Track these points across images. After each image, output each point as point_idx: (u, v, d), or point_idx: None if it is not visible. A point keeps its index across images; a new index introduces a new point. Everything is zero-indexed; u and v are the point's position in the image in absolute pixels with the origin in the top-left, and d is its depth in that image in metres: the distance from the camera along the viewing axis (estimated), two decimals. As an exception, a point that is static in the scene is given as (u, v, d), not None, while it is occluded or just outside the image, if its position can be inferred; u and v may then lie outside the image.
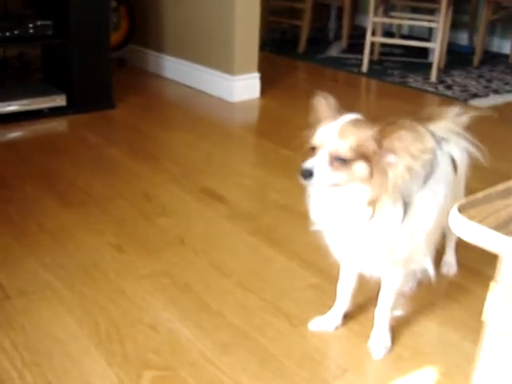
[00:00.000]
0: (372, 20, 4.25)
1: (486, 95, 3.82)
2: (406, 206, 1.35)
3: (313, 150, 1.34)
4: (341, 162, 1.30)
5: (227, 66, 3.56)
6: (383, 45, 4.70)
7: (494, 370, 0.76)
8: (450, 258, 1.89)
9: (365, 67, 4.30)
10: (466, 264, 1.90)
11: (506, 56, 4.85)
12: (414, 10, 4.96)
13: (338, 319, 1.62)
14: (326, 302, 1.67)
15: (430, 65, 4.20)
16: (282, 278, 1.85)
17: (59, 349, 1.51)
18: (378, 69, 4.38)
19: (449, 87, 3.96)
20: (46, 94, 3.19)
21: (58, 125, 3.16)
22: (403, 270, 1.49)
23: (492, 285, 0.74)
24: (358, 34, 5.05)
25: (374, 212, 1.33)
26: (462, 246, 1.88)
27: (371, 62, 4.38)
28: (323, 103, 1.40)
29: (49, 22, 3.13)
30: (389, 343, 1.55)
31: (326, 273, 1.82)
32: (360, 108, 3.78)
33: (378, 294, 1.56)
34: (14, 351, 1.49)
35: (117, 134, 3.16)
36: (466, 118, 1.67)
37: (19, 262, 1.88)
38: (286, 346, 1.54)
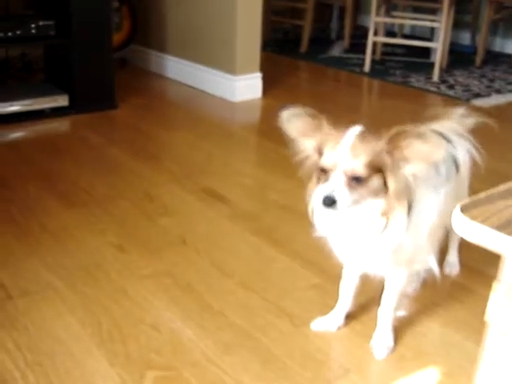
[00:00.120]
0: (374, 20, 4.25)
1: (488, 95, 3.82)
2: (410, 207, 1.35)
3: (323, 172, 1.31)
4: (357, 180, 1.28)
5: (229, 66, 3.56)
6: (385, 44, 4.70)
7: (496, 371, 0.76)
8: (452, 258, 1.89)
9: (367, 67, 4.30)
10: (468, 264, 1.90)
11: (509, 56, 4.85)
12: (416, 10, 4.96)
13: (341, 319, 1.62)
14: (328, 302, 1.67)
15: (432, 64, 4.20)
16: (283, 278, 1.85)
17: (61, 349, 1.51)
18: (380, 68, 4.38)
19: (451, 87, 3.96)
20: (47, 94, 3.19)
21: (60, 125, 3.17)
22: (407, 270, 1.49)
23: (494, 285, 0.73)
24: (360, 34, 5.05)
25: (387, 222, 1.33)
26: (464, 246, 1.87)
27: (373, 61, 4.37)
28: (305, 118, 1.37)
29: (51, 22, 3.13)
30: (391, 343, 1.55)
31: (327, 273, 1.82)
32: (362, 108, 3.78)
33: (380, 294, 1.56)
34: (16, 351, 1.49)
35: (118, 134, 3.16)
36: (472, 121, 1.67)
37: (21, 262, 1.88)
38: (288, 346, 1.54)
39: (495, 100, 3.73)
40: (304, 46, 4.81)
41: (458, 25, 4.84)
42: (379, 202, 1.32)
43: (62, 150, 2.80)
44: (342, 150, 1.29)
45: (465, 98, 3.69)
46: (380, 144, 1.30)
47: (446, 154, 1.38)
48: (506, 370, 0.75)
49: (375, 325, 1.56)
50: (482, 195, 0.76)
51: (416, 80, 4.10)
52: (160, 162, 2.71)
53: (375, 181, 1.30)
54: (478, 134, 1.68)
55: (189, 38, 3.81)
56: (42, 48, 3.52)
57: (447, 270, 1.87)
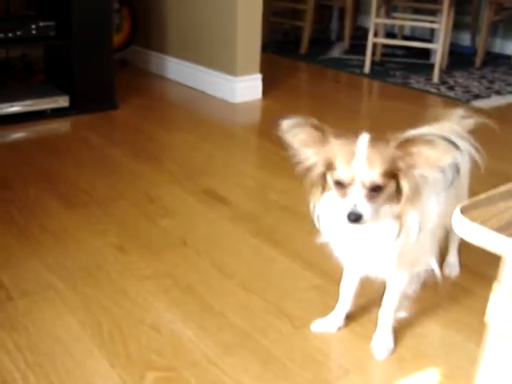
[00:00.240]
0: (374, 21, 4.25)
1: (488, 96, 3.82)
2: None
3: (339, 185, 1.30)
4: (375, 190, 1.28)
5: (229, 67, 3.56)
6: (385, 46, 4.70)
7: (496, 372, 0.76)
8: (452, 259, 1.89)
9: (367, 68, 4.30)
10: (468, 265, 1.90)
11: (508, 57, 4.85)
12: (416, 11, 4.96)
13: (341, 320, 1.62)
14: (328, 303, 1.67)
15: (432, 66, 4.20)
16: (284, 279, 1.85)
17: (62, 350, 1.51)
18: (380, 70, 4.38)
19: (451, 88, 3.96)
20: (48, 95, 3.19)
21: (61, 126, 3.17)
22: (409, 272, 1.49)
23: (495, 286, 0.74)
24: (360, 35, 5.05)
25: (401, 228, 1.34)
26: (464, 248, 1.88)
27: (373, 63, 4.38)
28: (307, 129, 1.34)
29: (51, 23, 3.14)
30: (392, 344, 1.55)
31: (328, 274, 1.82)
32: (362, 109, 3.78)
33: (380, 296, 1.56)
34: (17, 352, 1.49)
35: (119, 134, 3.16)
36: (471, 122, 1.67)
37: (21, 262, 1.88)
38: (288, 348, 1.54)
39: (495, 101, 3.74)
40: (304, 47, 4.82)
41: (457, 26, 4.85)
42: (392, 208, 1.32)
43: (62, 151, 2.80)
44: (359, 162, 1.27)
45: (465, 100, 3.69)
46: (391, 150, 1.29)
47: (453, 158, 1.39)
48: (506, 371, 0.75)
49: (375, 326, 1.57)
50: (483, 196, 0.76)
51: (416, 81, 4.10)
52: (160, 162, 2.72)
53: (390, 187, 1.30)
54: (478, 134, 1.68)
55: (189, 39, 3.81)
56: (43, 49, 3.52)
57: (447, 272, 1.87)
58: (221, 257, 1.95)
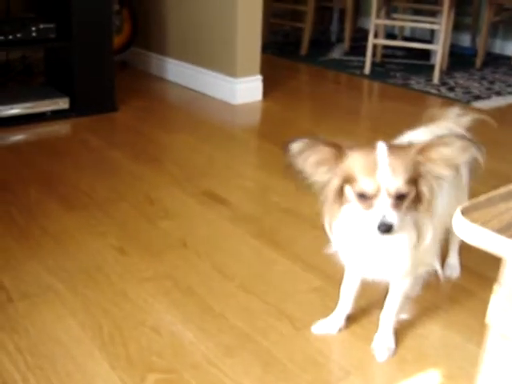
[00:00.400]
0: (374, 22, 4.25)
1: (489, 97, 3.82)
2: None
3: (363, 197, 1.28)
4: (400, 198, 1.27)
5: (229, 69, 3.56)
6: (385, 47, 4.70)
7: (497, 373, 0.76)
8: (453, 260, 1.89)
9: (367, 69, 4.30)
10: (469, 267, 1.90)
11: (509, 58, 4.85)
12: (416, 12, 4.96)
13: (341, 322, 1.62)
14: (329, 304, 1.67)
15: (432, 67, 4.20)
16: (284, 281, 1.85)
17: (62, 352, 1.51)
18: (381, 71, 4.39)
19: (451, 89, 3.96)
20: (48, 97, 3.19)
21: (61, 128, 3.17)
22: (413, 274, 1.49)
23: (495, 287, 0.73)
24: (360, 37, 5.05)
25: (422, 233, 1.34)
26: (465, 249, 1.87)
27: (373, 64, 4.38)
28: (320, 148, 1.30)
29: (51, 25, 3.14)
30: (393, 346, 1.55)
31: (328, 275, 1.82)
32: (362, 111, 3.78)
33: (381, 297, 1.56)
34: (17, 354, 1.49)
35: (119, 136, 3.16)
36: (467, 119, 1.67)
37: (22, 264, 1.88)
38: (289, 349, 1.54)
39: (495, 102, 3.74)
40: (304, 48, 4.82)
41: (458, 27, 4.85)
42: (412, 214, 1.32)
43: (62, 153, 2.80)
44: (382, 171, 1.26)
45: (465, 100, 3.69)
46: (412, 156, 1.29)
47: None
48: (507, 372, 0.75)
49: (376, 328, 1.56)
50: (483, 198, 0.76)
51: (416, 82, 4.10)
52: (161, 164, 2.72)
53: (412, 194, 1.30)
54: (478, 135, 1.68)
55: (189, 41, 3.81)
56: (43, 51, 3.52)
57: (448, 273, 1.87)
58: (221, 259, 1.95)
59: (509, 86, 4.11)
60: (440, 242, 1.55)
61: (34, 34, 3.11)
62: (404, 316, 1.61)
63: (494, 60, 4.81)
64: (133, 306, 1.70)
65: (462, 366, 1.50)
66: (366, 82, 4.21)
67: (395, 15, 4.71)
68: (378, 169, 1.26)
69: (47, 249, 1.97)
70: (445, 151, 1.28)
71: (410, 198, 1.30)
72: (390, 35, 5.12)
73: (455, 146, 1.28)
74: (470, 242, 0.71)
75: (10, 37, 3.05)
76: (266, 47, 4.45)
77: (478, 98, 3.79)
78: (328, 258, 1.50)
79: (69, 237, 2.06)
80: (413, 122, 1.65)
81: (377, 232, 1.27)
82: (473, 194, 1.64)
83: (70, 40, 3.14)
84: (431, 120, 1.63)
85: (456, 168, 1.34)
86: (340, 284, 1.61)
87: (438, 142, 1.29)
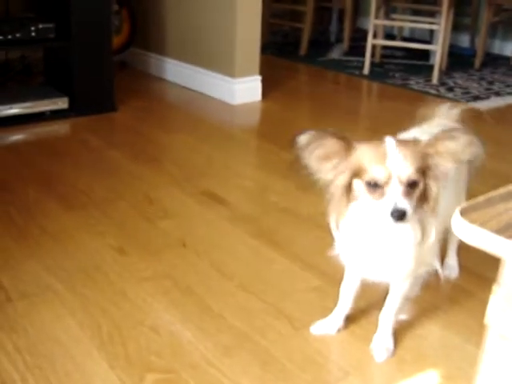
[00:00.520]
0: (373, 22, 4.25)
1: (488, 97, 3.83)
2: None
3: (373, 186, 1.28)
4: (411, 186, 1.27)
5: (229, 69, 3.56)
6: (385, 47, 4.70)
7: (496, 373, 0.76)
8: (452, 261, 1.89)
9: (366, 70, 4.30)
10: (468, 267, 1.90)
11: (508, 58, 4.86)
12: (416, 13, 4.96)
13: (340, 322, 1.62)
14: (327, 304, 1.67)
15: (431, 67, 4.20)
16: (283, 281, 1.85)
17: (61, 351, 1.51)
18: (380, 71, 4.39)
19: (450, 89, 3.97)
20: (47, 97, 3.19)
21: (60, 127, 3.17)
22: (414, 275, 1.49)
23: (494, 288, 0.74)
24: (359, 37, 5.05)
25: (424, 231, 1.34)
26: (464, 249, 1.87)
27: (373, 64, 4.38)
28: (329, 141, 1.30)
29: (51, 25, 3.14)
30: (391, 346, 1.55)
31: (327, 275, 1.82)
32: (362, 111, 3.78)
33: (380, 298, 1.56)
34: (16, 354, 1.49)
35: (118, 136, 3.16)
36: (457, 111, 1.68)
37: (20, 264, 1.88)
38: (287, 349, 1.54)
39: (494, 102, 3.74)
40: (303, 48, 4.82)
41: (457, 27, 4.85)
42: (417, 211, 1.32)
43: (61, 153, 2.80)
44: (393, 158, 1.26)
45: (464, 101, 3.69)
46: (421, 148, 1.30)
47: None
48: (506, 372, 0.75)
49: (375, 328, 1.56)
50: (482, 198, 0.76)
51: (415, 82, 4.10)
52: (160, 164, 2.71)
53: (422, 184, 1.30)
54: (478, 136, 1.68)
55: (188, 41, 3.81)
56: (42, 51, 3.52)
57: (447, 273, 1.87)
58: (220, 258, 1.95)
59: (508, 86, 4.11)
60: (440, 241, 1.55)
61: (33, 34, 3.10)
62: (403, 316, 1.61)
63: (493, 60, 4.82)
64: (132, 305, 1.70)
65: (460, 366, 1.50)
66: (365, 82, 4.22)
67: (394, 15, 4.72)
68: (388, 157, 1.26)
69: (46, 248, 1.97)
70: (451, 145, 1.29)
71: (420, 189, 1.30)
72: (389, 35, 5.12)
73: (461, 140, 1.29)
74: (468, 243, 0.71)
75: (10, 36, 3.05)
76: (266, 47, 4.45)
77: (477, 98, 3.79)
78: (327, 257, 1.50)
79: (68, 236, 2.06)
80: (411, 122, 1.65)
81: (390, 219, 1.26)
82: (472, 193, 1.64)
83: (70, 40, 3.14)
84: (424, 119, 1.64)
85: (461, 162, 1.34)
86: (339, 284, 1.61)
87: (445, 135, 1.30)
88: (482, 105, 3.64)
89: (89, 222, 2.15)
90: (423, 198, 1.32)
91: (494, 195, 0.77)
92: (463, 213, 0.72)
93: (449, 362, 1.53)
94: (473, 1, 4.98)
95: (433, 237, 1.36)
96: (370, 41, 4.27)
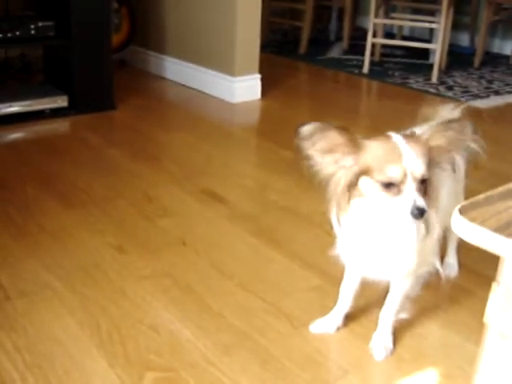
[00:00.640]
0: (373, 21, 4.25)
1: (487, 96, 3.83)
2: None
3: (388, 185, 1.26)
4: (423, 183, 1.27)
5: (228, 67, 3.56)
6: (384, 46, 4.70)
7: (496, 372, 0.76)
8: (451, 259, 1.89)
9: (366, 68, 4.30)
10: (467, 266, 1.90)
11: (507, 57, 4.85)
12: (415, 11, 4.96)
13: (339, 320, 1.62)
14: (327, 303, 1.67)
15: (430, 66, 4.20)
16: (283, 279, 1.85)
17: (60, 350, 1.51)
18: (379, 70, 4.39)
19: (450, 88, 3.97)
20: (47, 95, 3.19)
21: (59, 126, 3.17)
22: (415, 274, 1.49)
23: (493, 286, 0.73)
24: (358, 35, 5.05)
25: (427, 227, 1.34)
26: (463, 248, 1.88)
27: (372, 63, 4.38)
28: (332, 133, 1.29)
29: (50, 23, 3.13)
30: (391, 345, 1.55)
31: (327, 274, 1.82)
32: (361, 109, 3.78)
33: (379, 296, 1.56)
34: (15, 353, 1.49)
35: (118, 134, 3.16)
36: (458, 112, 1.68)
37: (20, 262, 1.88)
38: (287, 348, 1.54)
39: (494, 101, 3.74)
40: (303, 47, 4.82)
41: (456, 26, 4.85)
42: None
43: (61, 151, 2.80)
44: (408, 156, 1.25)
45: (463, 100, 3.69)
46: (425, 142, 1.30)
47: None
48: (506, 371, 0.75)
49: (374, 326, 1.56)
50: (481, 197, 0.76)
51: (415, 81, 4.10)
52: (159, 163, 2.71)
53: (430, 179, 1.31)
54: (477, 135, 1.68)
55: (188, 40, 3.81)
56: (42, 49, 3.52)
57: (446, 272, 1.86)
58: (219, 257, 1.95)
59: (507, 85, 4.11)
60: (439, 240, 1.55)
61: (32, 32, 3.10)
62: (403, 315, 1.61)
63: (493, 59, 4.82)
64: (131, 304, 1.69)
65: (460, 365, 1.50)
66: (365, 80, 4.21)
67: (394, 14, 4.72)
68: (402, 155, 1.25)
69: (45, 247, 1.97)
70: (448, 134, 1.30)
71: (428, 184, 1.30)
72: (389, 34, 5.12)
73: (456, 127, 1.30)
74: (468, 241, 0.71)
75: (9, 34, 3.05)
76: (265, 46, 4.45)
77: (476, 97, 3.79)
78: (327, 256, 1.50)
79: (67, 235, 2.06)
80: (411, 121, 1.65)
81: (409, 217, 1.26)
82: (471, 193, 1.64)
83: (69, 38, 3.14)
84: (425, 119, 1.64)
85: (461, 149, 1.34)
86: (339, 283, 1.60)
87: (441, 127, 1.30)
88: (482, 104, 3.64)
89: (88, 221, 2.15)
90: (425, 194, 1.32)
91: (494, 194, 0.77)
92: (463, 211, 0.72)
93: (448, 360, 1.53)
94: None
95: (437, 230, 1.36)
96: (369, 39, 4.27)
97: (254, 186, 2.53)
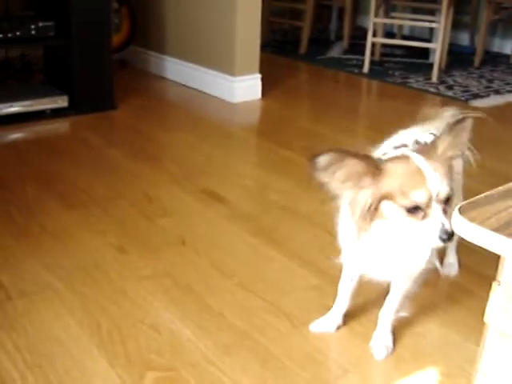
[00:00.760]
0: (373, 21, 4.25)
1: (487, 95, 3.83)
2: None
3: (414, 210, 1.24)
4: (446, 202, 1.25)
5: (228, 67, 3.56)
6: (384, 45, 4.70)
7: (495, 371, 0.76)
8: (451, 259, 1.89)
9: (366, 68, 4.30)
10: (467, 265, 1.90)
11: (507, 56, 4.85)
12: (415, 11, 4.96)
13: (339, 319, 1.62)
14: (327, 302, 1.67)
15: (431, 65, 4.20)
16: (282, 279, 1.85)
17: (61, 350, 1.51)
18: (379, 69, 4.39)
19: (450, 87, 3.97)
20: (47, 95, 3.19)
21: (60, 126, 3.17)
22: (415, 273, 1.49)
23: (494, 286, 0.74)
24: (359, 35, 5.05)
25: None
26: (463, 247, 1.88)
27: (372, 62, 4.38)
28: (350, 161, 1.23)
29: (50, 23, 3.14)
30: (391, 344, 1.55)
31: (326, 273, 1.82)
32: (361, 109, 3.78)
33: (379, 295, 1.56)
34: (15, 352, 1.49)
35: (118, 134, 3.16)
36: (459, 114, 1.67)
37: (20, 262, 1.88)
38: (287, 347, 1.54)
39: (494, 100, 3.74)
40: (303, 46, 4.82)
41: (456, 25, 4.85)
42: None
43: (61, 151, 2.80)
44: (432, 179, 1.23)
45: (464, 99, 3.69)
46: (441, 156, 1.28)
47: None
48: (506, 370, 0.75)
49: (374, 326, 1.57)
50: (481, 196, 0.76)
51: (415, 81, 4.10)
52: (159, 162, 2.71)
53: None
54: (477, 135, 1.68)
55: (188, 39, 3.81)
56: (42, 49, 3.52)
57: (446, 271, 1.87)
58: (219, 256, 1.95)
59: (507, 84, 4.11)
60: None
61: (33, 32, 3.10)
62: (403, 314, 1.61)
63: (493, 58, 4.81)
64: (131, 303, 1.70)
65: (460, 364, 1.50)
66: (365, 80, 4.21)
67: (394, 14, 4.71)
68: (426, 178, 1.23)
69: (46, 247, 1.97)
70: (455, 141, 1.29)
71: None
72: (389, 34, 5.12)
73: (458, 131, 1.29)
74: (468, 241, 0.71)
75: (9, 35, 3.05)
76: (265, 45, 4.45)
77: (476, 96, 3.79)
78: (327, 255, 1.50)
79: (67, 235, 2.06)
80: (411, 121, 1.65)
81: (437, 242, 1.24)
82: (471, 192, 1.64)
83: (69, 38, 3.14)
84: (425, 119, 1.64)
85: (463, 149, 1.34)
86: (338, 281, 1.60)
87: (450, 134, 1.29)
88: (482, 103, 3.64)
89: (89, 221, 2.15)
90: None
91: (494, 193, 0.78)
92: (462, 211, 0.72)
93: (448, 360, 1.53)
94: (472, -1, 4.98)
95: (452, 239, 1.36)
96: (369, 39, 4.27)
97: (254, 186, 2.53)
